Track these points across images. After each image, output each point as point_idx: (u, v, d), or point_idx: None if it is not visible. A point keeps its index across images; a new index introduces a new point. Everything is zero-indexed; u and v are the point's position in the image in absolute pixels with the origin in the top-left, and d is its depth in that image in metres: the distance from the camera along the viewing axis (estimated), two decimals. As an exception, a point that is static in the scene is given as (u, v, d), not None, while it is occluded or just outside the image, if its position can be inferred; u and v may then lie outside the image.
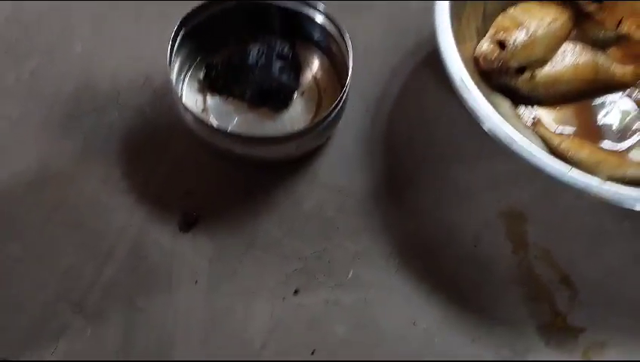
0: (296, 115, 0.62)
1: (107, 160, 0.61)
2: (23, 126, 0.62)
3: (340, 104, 0.58)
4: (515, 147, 0.53)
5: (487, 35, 0.62)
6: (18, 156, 0.61)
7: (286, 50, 0.62)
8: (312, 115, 0.62)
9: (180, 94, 0.60)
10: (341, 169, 0.61)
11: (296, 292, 0.56)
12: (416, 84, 0.65)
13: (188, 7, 0.62)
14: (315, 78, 0.64)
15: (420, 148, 0.62)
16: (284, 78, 0.61)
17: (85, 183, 0.60)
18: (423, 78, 0.66)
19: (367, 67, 0.65)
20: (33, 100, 0.63)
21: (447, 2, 0.58)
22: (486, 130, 0.54)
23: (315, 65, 0.64)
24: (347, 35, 0.59)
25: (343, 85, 0.60)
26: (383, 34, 0.68)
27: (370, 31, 0.67)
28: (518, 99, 0.62)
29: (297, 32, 0.64)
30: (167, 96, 0.64)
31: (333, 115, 0.57)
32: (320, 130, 0.58)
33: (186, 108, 0.56)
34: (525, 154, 0.52)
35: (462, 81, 0.56)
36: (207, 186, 0.60)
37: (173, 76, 0.59)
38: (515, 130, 0.53)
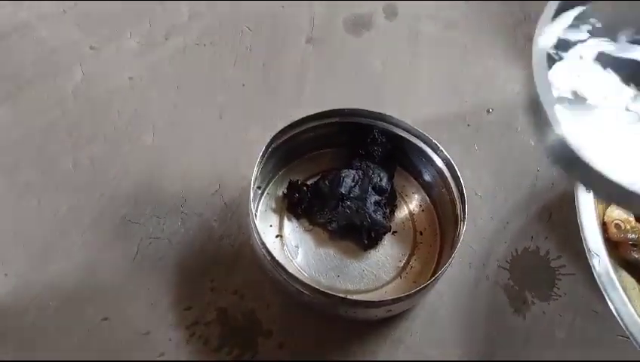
0: (384, 257, 0.53)
1: (159, 280, 0.52)
2: (71, 222, 0.54)
3: (447, 268, 0.48)
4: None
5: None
6: (61, 258, 0.52)
7: (385, 182, 0.53)
8: (404, 261, 0.52)
9: (255, 213, 0.51)
10: (431, 335, 0.51)
11: None
12: (527, 242, 0.55)
13: (274, 115, 0.57)
14: (412, 216, 0.55)
15: (531, 322, 0.52)
16: (379, 215, 0.52)
17: (131, 305, 0.51)
18: (538, 237, 0.56)
19: (473, 212, 0.54)
20: (87, 193, 0.55)
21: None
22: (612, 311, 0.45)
23: (414, 202, 0.55)
24: (462, 184, 0.50)
25: (444, 231, 0.52)
26: (492, 175, 0.58)
27: (480, 170, 0.58)
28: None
29: (398, 160, 0.55)
30: (239, 212, 0.55)
31: (438, 279, 0.48)
32: (418, 295, 0.49)
33: (263, 244, 0.48)
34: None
35: (597, 256, 0.47)
36: (271, 330, 0.50)
37: (251, 195, 0.50)
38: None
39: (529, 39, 0.65)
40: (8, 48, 0.62)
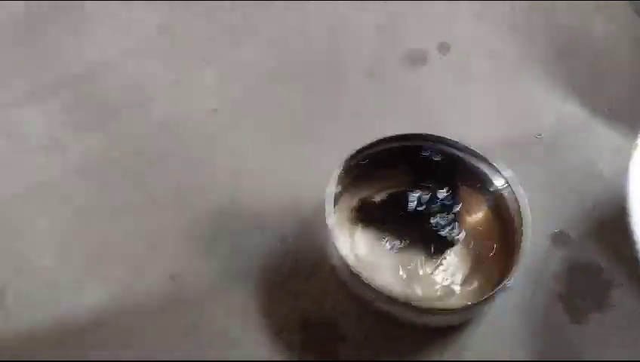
0: (449, 269, 0.57)
1: (245, 291, 0.57)
2: (162, 238, 0.60)
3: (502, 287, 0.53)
4: None
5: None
6: (154, 270, 0.58)
7: (448, 200, 0.58)
8: (468, 273, 0.57)
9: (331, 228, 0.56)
10: (493, 345, 0.55)
11: None
12: (581, 255, 0.60)
13: (340, 140, 0.61)
14: (474, 231, 0.59)
15: (593, 329, 0.56)
16: (444, 231, 0.57)
17: (221, 313, 0.56)
18: (592, 250, 0.60)
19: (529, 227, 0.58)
20: (175, 211, 0.61)
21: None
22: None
23: (476, 219, 0.60)
24: (522, 202, 0.55)
25: (505, 245, 0.56)
26: (545, 194, 0.62)
27: (533, 190, 0.60)
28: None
29: (462, 178, 0.60)
30: (313, 228, 0.59)
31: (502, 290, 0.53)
32: (482, 305, 0.53)
33: (341, 257, 0.53)
34: None
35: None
36: (348, 336, 0.54)
37: (328, 211, 0.55)
38: None
39: (572, 70, 0.71)
40: (99, 81, 0.68)
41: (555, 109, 0.69)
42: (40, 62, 0.69)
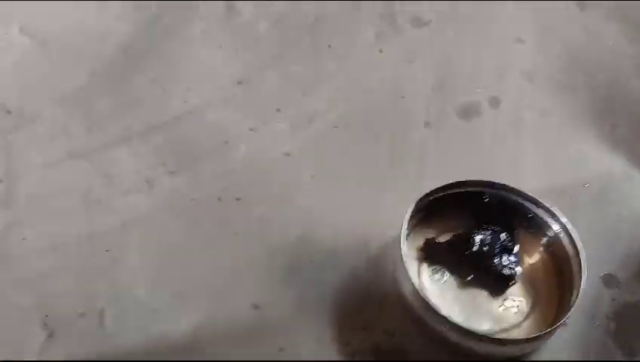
0: (511, 305, 0.62)
1: (321, 319, 0.62)
2: (246, 268, 0.65)
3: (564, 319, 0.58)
4: None
5: None
6: (238, 299, 0.63)
7: (510, 243, 0.64)
8: (527, 309, 0.62)
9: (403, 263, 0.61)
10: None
11: None
12: (631, 296, 0.64)
13: (403, 185, 0.69)
14: (533, 270, 0.64)
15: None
16: (506, 271, 0.63)
17: (300, 338, 0.61)
18: (637, 292, 0.65)
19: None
20: (257, 245, 0.67)
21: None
22: None
23: (534, 259, 0.65)
24: (579, 246, 0.60)
25: (561, 284, 0.62)
26: (595, 239, 0.67)
27: (583, 234, 0.65)
28: None
29: (519, 223, 0.66)
30: (382, 264, 0.65)
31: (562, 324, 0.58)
32: (542, 339, 0.58)
33: (415, 290, 0.58)
34: None
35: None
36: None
37: (402, 247, 0.60)
38: None
39: (613, 126, 0.77)
40: (183, 128, 0.76)
41: (601, 161, 0.75)
42: (131, 109, 0.76)
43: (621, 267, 0.67)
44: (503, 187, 0.65)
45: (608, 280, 0.66)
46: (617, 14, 0.89)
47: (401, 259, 0.60)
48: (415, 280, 0.62)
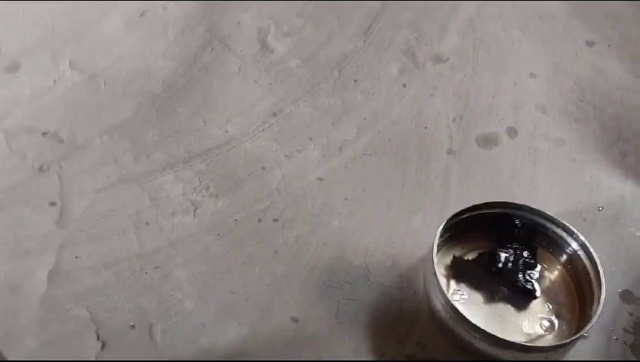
0: (535, 316, 0.66)
1: (357, 332, 0.67)
2: (285, 285, 0.70)
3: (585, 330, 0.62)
4: None
5: None
6: (280, 313, 0.68)
7: (532, 260, 0.69)
8: (550, 320, 0.66)
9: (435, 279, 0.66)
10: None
11: None
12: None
13: (429, 207, 0.74)
14: (554, 285, 0.69)
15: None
16: (529, 285, 0.67)
17: (338, 350, 0.65)
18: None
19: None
20: (295, 263, 0.72)
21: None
22: None
23: (555, 274, 0.70)
24: (601, 269, 0.65)
25: (581, 298, 0.66)
26: (609, 258, 0.72)
27: (599, 253, 0.69)
28: None
29: (539, 242, 0.70)
30: (412, 281, 0.70)
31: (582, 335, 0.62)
32: (565, 348, 0.62)
33: (447, 303, 0.62)
34: None
35: None
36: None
37: (434, 264, 0.65)
38: None
39: (623, 155, 0.82)
40: (224, 156, 0.82)
41: (613, 186, 0.80)
42: (175, 138, 0.83)
43: (637, 284, 0.72)
44: (525, 208, 0.70)
45: (625, 296, 0.71)
46: (623, 52, 0.96)
47: (434, 274, 0.65)
48: (446, 293, 0.66)
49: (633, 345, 0.67)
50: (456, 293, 0.68)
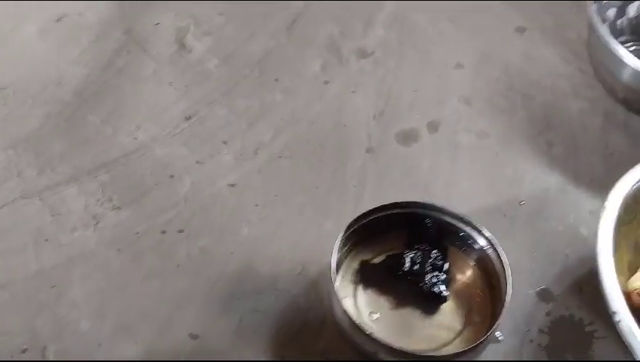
0: (443, 322, 0.63)
1: (259, 343, 0.63)
2: (187, 299, 0.67)
3: (491, 333, 0.59)
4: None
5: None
6: (179, 328, 0.65)
7: (440, 261, 0.65)
8: (461, 324, 0.63)
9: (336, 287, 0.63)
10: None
11: None
12: (563, 310, 0.66)
13: (343, 210, 0.71)
14: (464, 287, 0.66)
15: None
16: (437, 288, 0.64)
17: (236, 365, 0.63)
18: (572, 305, 0.66)
19: (515, 285, 0.63)
20: (199, 276, 0.69)
21: (612, 233, 0.60)
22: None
23: (465, 276, 0.67)
24: (508, 267, 0.61)
25: (492, 299, 0.63)
26: (528, 255, 0.69)
27: (517, 251, 0.69)
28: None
29: (451, 241, 0.67)
30: (320, 288, 0.67)
31: (485, 341, 0.59)
32: (471, 354, 0.59)
33: (345, 312, 0.59)
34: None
35: (620, 317, 0.56)
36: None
37: (333, 271, 0.62)
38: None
39: (550, 145, 0.79)
40: (131, 164, 0.78)
41: (537, 179, 0.77)
42: (81, 149, 0.79)
43: (556, 281, 0.69)
44: (433, 207, 0.67)
45: (543, 295, 0.68)
46: (555, 37, 0.93)
47: (331, 282, 0.61)
48: (349, 303, 0.63)
49: (548, 346, 0.64)
50: (362, 300, 0.64)
